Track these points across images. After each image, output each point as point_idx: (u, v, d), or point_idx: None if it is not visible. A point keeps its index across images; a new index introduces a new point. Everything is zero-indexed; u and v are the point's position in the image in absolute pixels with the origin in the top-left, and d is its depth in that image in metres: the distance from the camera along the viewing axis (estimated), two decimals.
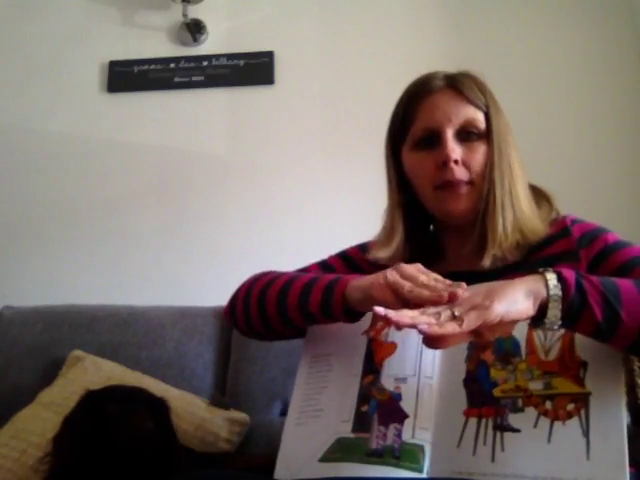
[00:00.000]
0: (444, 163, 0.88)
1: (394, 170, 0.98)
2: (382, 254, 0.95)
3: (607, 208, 1.86)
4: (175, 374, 1.50)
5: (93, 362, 1.46)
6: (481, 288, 0.69)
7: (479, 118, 0.90)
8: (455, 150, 0.88)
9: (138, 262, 1.97)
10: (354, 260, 1.03)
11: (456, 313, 0.65)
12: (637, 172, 1.93)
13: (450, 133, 0.89)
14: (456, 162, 0.88)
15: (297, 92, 2.06)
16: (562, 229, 0.91)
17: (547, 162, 1.88)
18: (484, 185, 0.89)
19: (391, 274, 0.76)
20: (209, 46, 2.11)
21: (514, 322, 0.68)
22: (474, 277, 0.83)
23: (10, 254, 2.00)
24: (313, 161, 2.01)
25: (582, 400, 0.69)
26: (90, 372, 1.42)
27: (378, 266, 0.90)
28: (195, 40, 2.10)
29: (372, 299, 0.77)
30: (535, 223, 0.89)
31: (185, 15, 2.06)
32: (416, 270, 0.76)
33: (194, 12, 2.09)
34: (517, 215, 0.88)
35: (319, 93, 2.06)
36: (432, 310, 0.66)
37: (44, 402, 1.35)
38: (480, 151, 0.90)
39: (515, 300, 0.67)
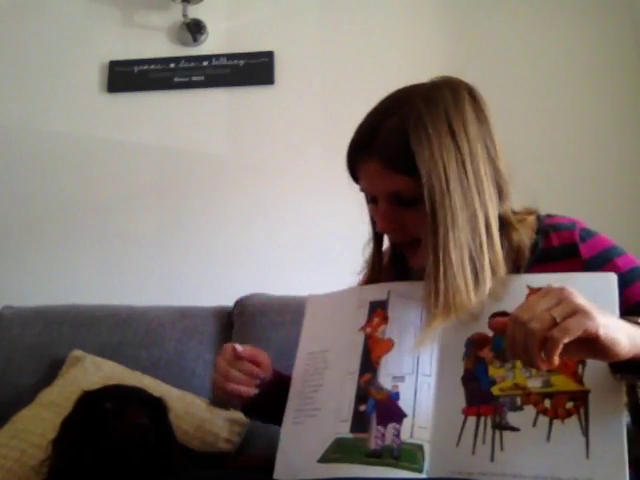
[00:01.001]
0: (379, 228, 0.89)
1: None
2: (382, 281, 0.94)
3: (609, 209, 1.86)
4: (175, 374, 1.50)
5: (93, 362, 1.46)
6: (574, 293, 0.63)
7: (409, 186, 0.81)
8: (386, 220, 0.86)
9: (138, 262, 1.97)
10: None
11: (557, 319, 0.60)
12: (638, 172, 1.93)
13: (383, 202, 0.85)
14: (391, 229, 0.87)
15: (297, 92, 2.06)
16: (570, 244, 0.85)
17: (547, 163, 1.88)
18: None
19: (214, 375, 0.91)
20: (209, 46, 2.11)
21: (598, 351, 0.62)
22: None
23: (10, 254, 2.00)
24: (313, 161, 2.01)
25: (581, 398, 0.69)
26: (90, 372, 1.42)
27: None
28: (195, 40, 2.10)
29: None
30: (465, 298, 0.79)
31: (185, 15, 2.06)
32: (222, 360, 0.89)
33: (194, 12, 2.10)
34: (447, 287, 0.79)
35: (319, 93, 2.06)
36: (533, 319, 0.62)
37: (44, 402, 1.35)
38: (416, 214, 0.83)
39: (618, 328, 0.63)
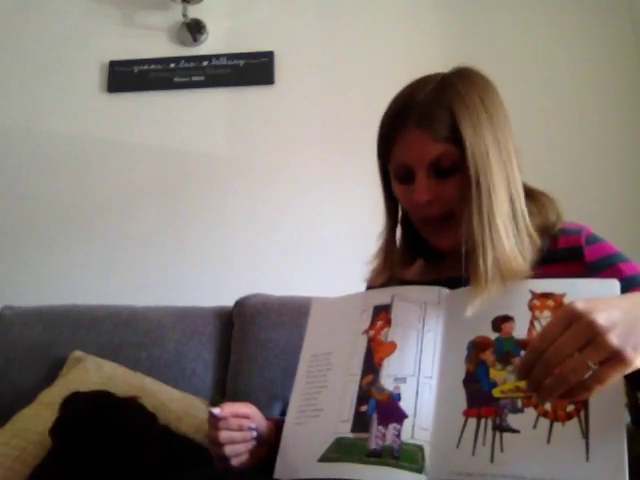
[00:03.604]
0: (415, 202, 0.87)
1: (386, 191, 0.96)
2: (379, 280, 0.96)
3: (610, 209, 1.87)
4: (175, 374, 1.50)
5: (94, 362, 1.46)
6: (619, 319, 0.59)
7: (450, 152, 0.84)
8: (425, 191, 0.85)
9: (138, 262, 1.98)
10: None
11: (592, 367, 0.58)
12: (638, 171, 1.93)
13: (422, 173, 0.85)
14: (428, 202, 0.86)
15: (297, 92, 2.06)
16: (575, 247, 0.87)
17: (548, 163, 1.88)
18: (464, 218, 0.84)
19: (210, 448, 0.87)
20: (209, 46, 2.12)
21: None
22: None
23: (10, 254, 2.00)
24: (313, 161, 2.01)
25: (582, 401, 0.68)
26: (91, 372, 1.42)
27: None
28: (195, 40, 2.10)
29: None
30: (516, 264, 0.82)
31: (185, 15, 2.06)
32: (210, 430, 0.86)
33: (194, 12, 2.10)
34: (497, 255, 0.81)
35: (319, 93, 2.06)
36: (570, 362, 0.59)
37: (45, 402, 1.35)
38: (454, 185, 0.85)
39: None
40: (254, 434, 0.87)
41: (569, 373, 0.58)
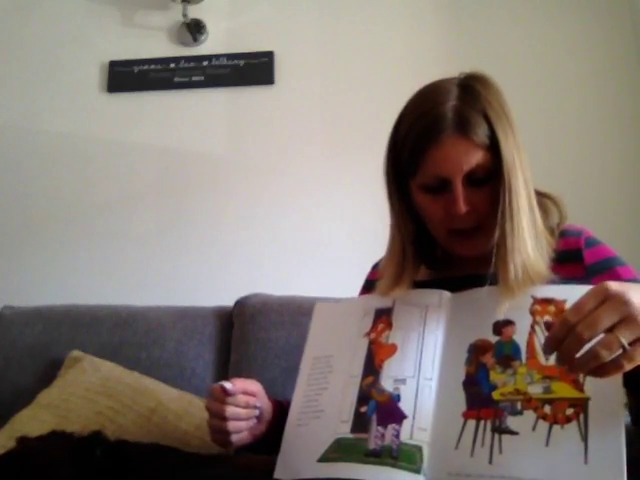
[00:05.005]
0: (454, 214, 0.85)
1: (398, 198, 0.93)
2: (396, 294, 0.91)
3: (610, 209, 1.86)
4: (175, 374, 1.50)
5: (91, 363, 1.46)
6: (638, 309, 0.59)
7: (488, 159, 0.83)
8: (465, 202, 0.84)
9: (138, 262, 1.98)
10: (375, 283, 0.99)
11: (626, 347, 0.58)
12: (638, 171, 1.93)
13: (460, 182, 0.84)
14: (467, 212, 0.85)
15: (297, 92, 2.06)
16: (575, 250, 0.88)
17: (548, 163, 1.88)
18: (493, 226, 0.84)
19: (208, 420, 0.89)
20: (209, 46, 2.12)
21: None
22: (478, 281, 0.84)
23: (10, 254, 2.00)
24: (313, 161, 2.01)
25: (581, 405, 0.69)
26: (88, 373, 1.42)
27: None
28: (195, 40, 2.10)
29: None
30: (539, 266, 0.83)
31: (185, 15, 2.06)
32: (214, 402, 0.87)
33: (194, 12, 2.10)
34: (524, 258, 0.82)
35: (319, 93, 2.06)
36: (600, 340, 0.59)
37: (43, 404, 1.34)
38: (489, 192, 0.85)
39: None
40: (257, 413, 0.89)
41: (601, 349, 0.59)
